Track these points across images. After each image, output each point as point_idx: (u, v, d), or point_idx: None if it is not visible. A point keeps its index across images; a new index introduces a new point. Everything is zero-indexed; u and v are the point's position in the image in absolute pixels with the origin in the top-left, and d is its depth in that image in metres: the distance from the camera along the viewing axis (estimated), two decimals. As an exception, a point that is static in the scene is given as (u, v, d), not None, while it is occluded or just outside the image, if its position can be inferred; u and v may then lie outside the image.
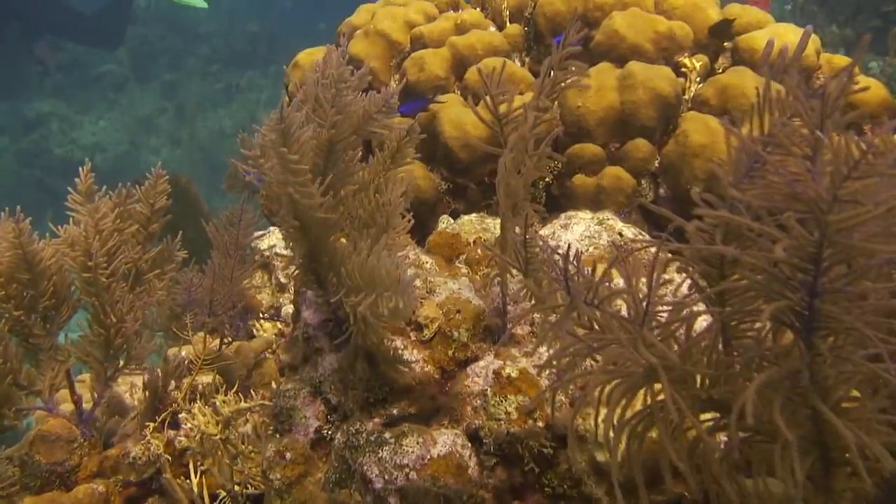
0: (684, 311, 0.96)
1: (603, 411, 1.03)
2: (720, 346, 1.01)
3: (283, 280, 2.45)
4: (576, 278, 1.01)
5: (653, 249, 1.80)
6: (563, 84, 1.47)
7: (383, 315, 1.38)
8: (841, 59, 2.14)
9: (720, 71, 2.18)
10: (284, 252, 2.44)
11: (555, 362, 1.03)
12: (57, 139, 9.23)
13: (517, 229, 1.48)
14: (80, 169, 1.88)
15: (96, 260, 1.70)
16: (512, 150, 1.44)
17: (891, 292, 0.82)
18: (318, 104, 1.53)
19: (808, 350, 0.87)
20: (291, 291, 2.40)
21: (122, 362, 1.86)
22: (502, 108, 1.50)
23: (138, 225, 1.91)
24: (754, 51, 2.11)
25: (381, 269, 1.36)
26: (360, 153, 1.57)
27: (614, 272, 1.00)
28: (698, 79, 2.10)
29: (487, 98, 1.49)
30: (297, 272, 1.62)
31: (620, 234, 1.86)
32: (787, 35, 2.09)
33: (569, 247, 1.05)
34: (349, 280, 1.42)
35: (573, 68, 1.44)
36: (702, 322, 1.06)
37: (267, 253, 2.49)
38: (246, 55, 11.16)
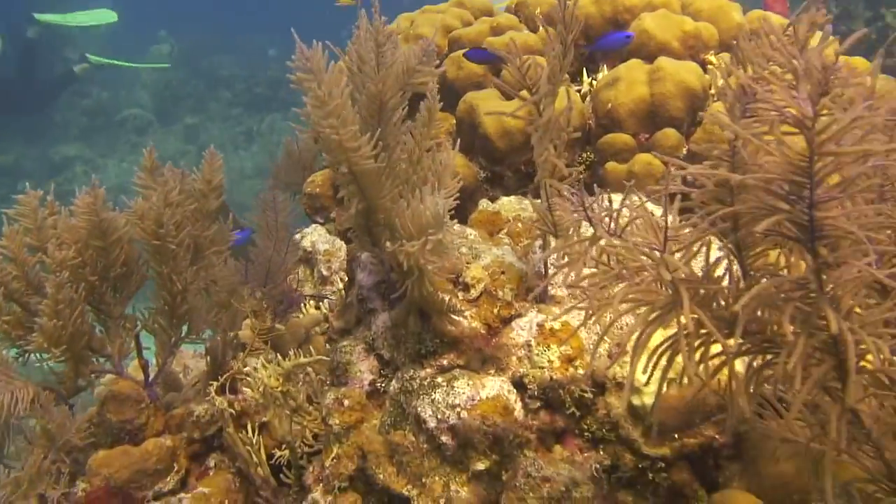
0: (699, 240, 1.04)
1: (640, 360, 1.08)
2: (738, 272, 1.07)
3: (325, 273, 2.56)
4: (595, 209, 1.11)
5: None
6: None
7: (429, 253, 1.47)
8: (858, 61, 2.26)
9: (743, 70, 2.30)
10: (327, 246, 2.55)
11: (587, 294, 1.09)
12: (80, 181, 9.38)
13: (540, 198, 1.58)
14: (144, 149, 2.00)
15: (167, 228, 1.80)
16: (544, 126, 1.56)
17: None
18: (361, 61, 1.62)
19: (813, 258, 0.92)
20: (333, 284, 2.52)
21: (184, 331, 1.96)
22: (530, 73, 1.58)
23: (197, 202, 2.00)
24: (774, 50, 2.23)
25: (423, 210, 1.45)
26: (406, 111, 1.65)
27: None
28: (722, 74, 2.22)
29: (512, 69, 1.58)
30: (353, 232, 1.72)
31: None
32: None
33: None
34: (403, 231, 1.52)
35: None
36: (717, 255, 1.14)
37: (309, 249, 2.61)
38: (266, 99, 11.38)
